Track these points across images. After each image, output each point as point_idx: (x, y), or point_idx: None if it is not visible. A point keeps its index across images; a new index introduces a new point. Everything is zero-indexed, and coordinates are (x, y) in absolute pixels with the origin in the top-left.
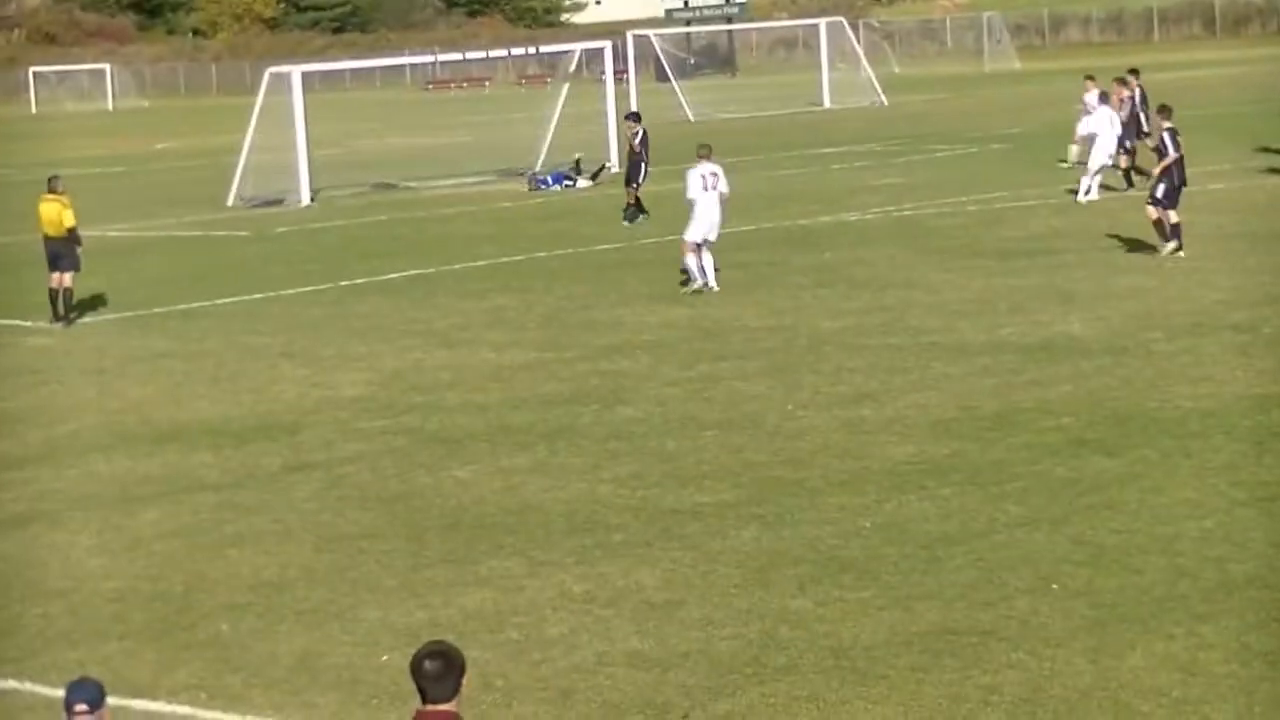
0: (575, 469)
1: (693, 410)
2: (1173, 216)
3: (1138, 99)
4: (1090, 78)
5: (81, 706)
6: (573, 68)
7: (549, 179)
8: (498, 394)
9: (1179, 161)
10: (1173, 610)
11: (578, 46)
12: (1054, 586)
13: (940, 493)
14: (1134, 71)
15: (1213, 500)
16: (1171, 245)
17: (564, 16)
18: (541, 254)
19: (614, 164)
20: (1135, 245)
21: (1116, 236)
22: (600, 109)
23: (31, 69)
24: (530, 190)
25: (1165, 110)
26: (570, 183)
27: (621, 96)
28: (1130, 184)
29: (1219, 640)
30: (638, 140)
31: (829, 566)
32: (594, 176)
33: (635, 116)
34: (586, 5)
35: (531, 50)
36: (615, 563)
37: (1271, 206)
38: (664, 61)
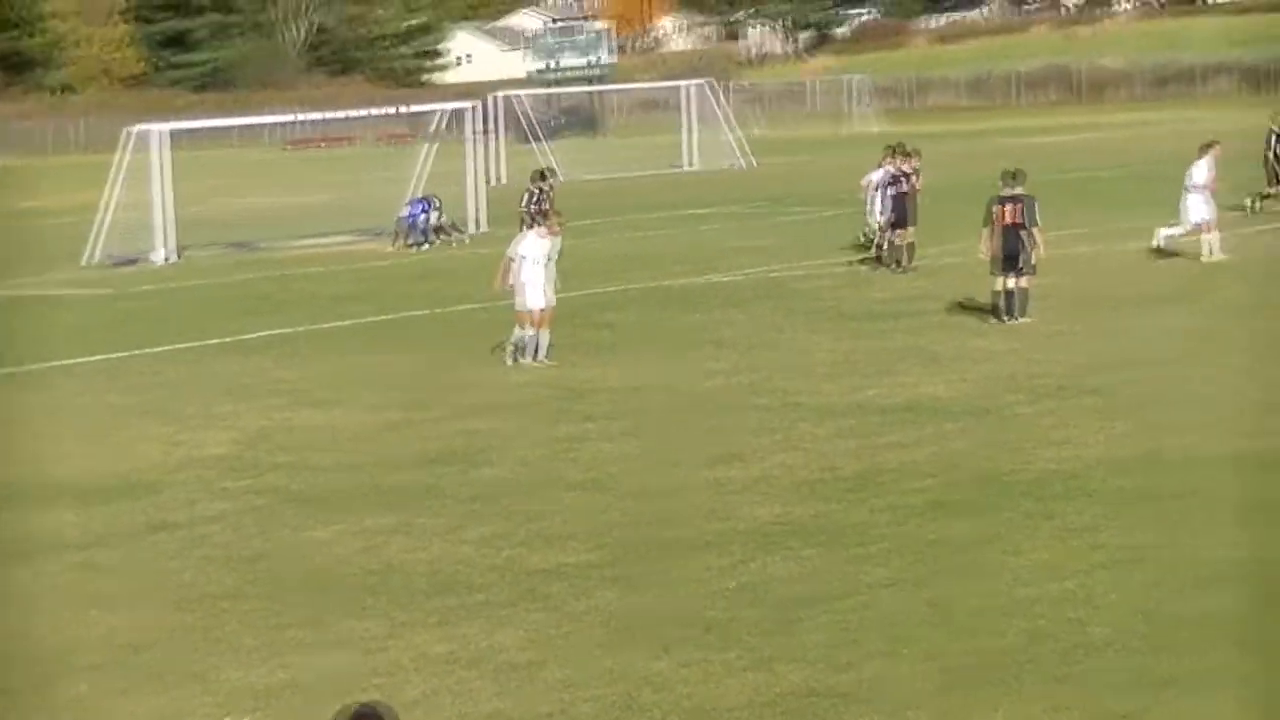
0: (438, 529)
1: (557, 470)
2: (1012, 282)
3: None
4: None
5: None
6: (433, 127)
7: (411, 214)
8: (362, 454)
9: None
10: (1031, 672)
11: (441, 107)
12: (911, 649)
13: (803, 553)
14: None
15: (1072, 562)
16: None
17: (426, 77)
18: (408, 313)
19: (482, 224)
20: (986, 309)
21: (978, 301)
22: (463, 168)
23: None
24: (399, 241)
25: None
26: (428, 217)
27: (488, 156)
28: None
29: (1077, 702)
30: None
31: (691, 628)
32: (447, 231)
33: (542, 174)
34: (448, 66)
35: (393, 110)
36: (477, 623)
37: (1129, 270)
38: (527, 122)
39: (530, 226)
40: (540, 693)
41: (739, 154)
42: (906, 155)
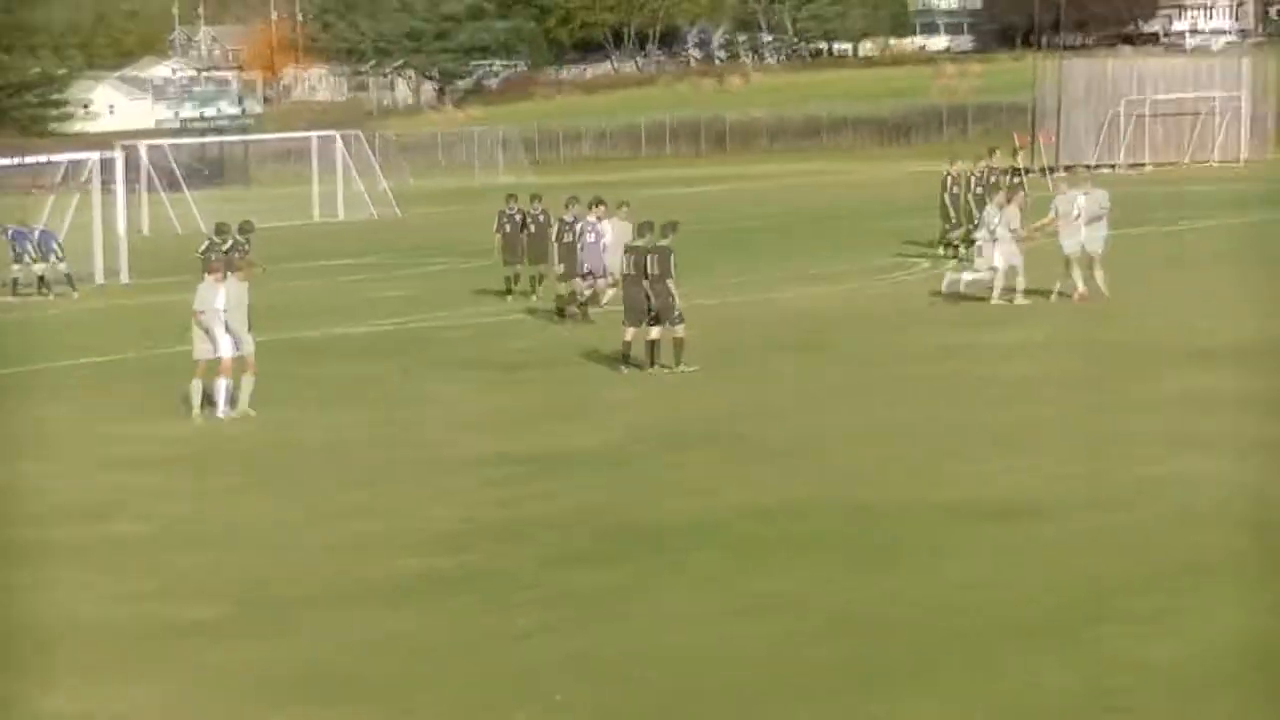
0: (73, 584)
1: (195, 525)
2: (655, 332)
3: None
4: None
5: None
6: (59, 178)
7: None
8: None
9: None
10: None
11: (74, 156)
12: (557, 698)
13: (446, 605)
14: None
15: (706, 610)
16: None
17: (56, 126)
18: (48, 365)
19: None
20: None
21: (615, 351)
22: (96, 218)
23: None
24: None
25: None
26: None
27: (132, 205)
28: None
29: None
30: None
31: (329, 682)
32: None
33: (240, 226)
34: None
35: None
36: (111, 681)
37: (770, 319)
38: (159, 173)
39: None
40: None
41: (385, 204)
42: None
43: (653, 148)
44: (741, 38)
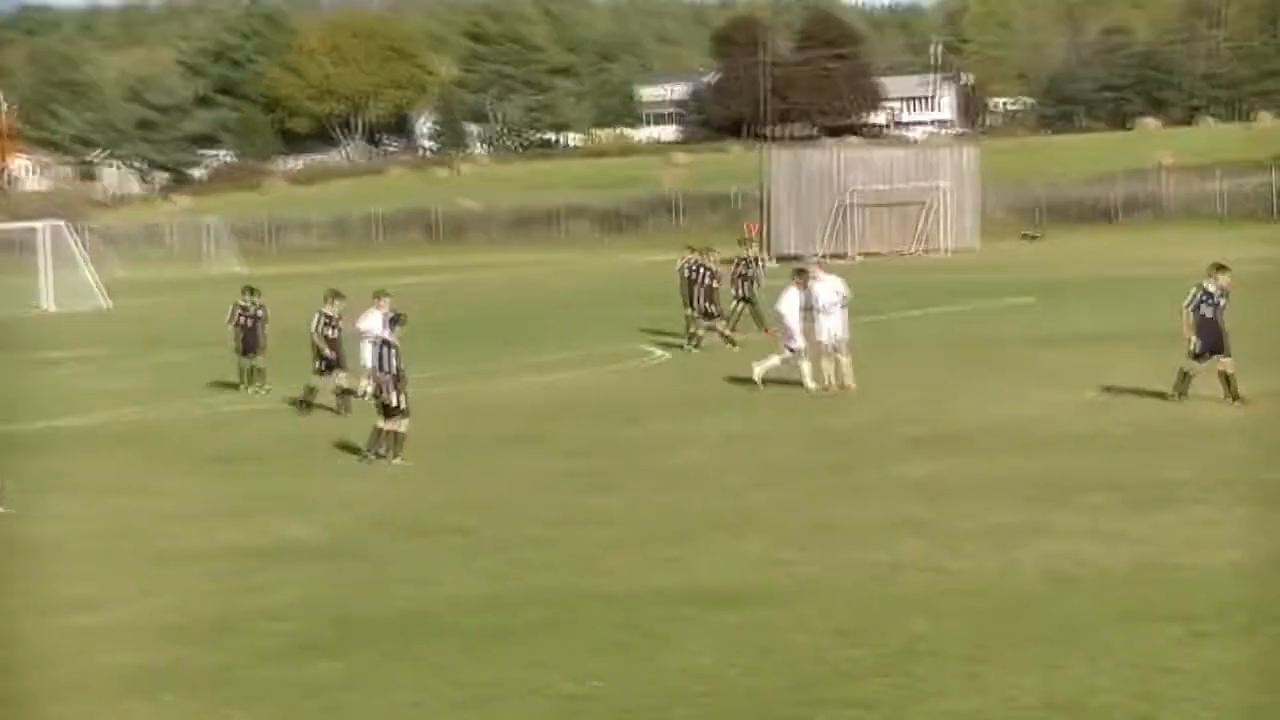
0: None
1: None
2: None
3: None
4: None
5: None
6: None
7: None
8: None
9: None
10: None
11: None
12: None
13: (162, 699)
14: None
15: (433, 701)
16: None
17: None
18: None
19: None
20: (356, 450)
21: (348, 440)
22: None
23: None
24: None
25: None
26: None
27: None
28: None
29: None
30: None
31: None
32: None
33: None
34: None
35: None
36: None
37: (488, 409)
38: None
39: None
40: None
41: (97, 295)
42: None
43: (364, 238)
44: (472, 128)
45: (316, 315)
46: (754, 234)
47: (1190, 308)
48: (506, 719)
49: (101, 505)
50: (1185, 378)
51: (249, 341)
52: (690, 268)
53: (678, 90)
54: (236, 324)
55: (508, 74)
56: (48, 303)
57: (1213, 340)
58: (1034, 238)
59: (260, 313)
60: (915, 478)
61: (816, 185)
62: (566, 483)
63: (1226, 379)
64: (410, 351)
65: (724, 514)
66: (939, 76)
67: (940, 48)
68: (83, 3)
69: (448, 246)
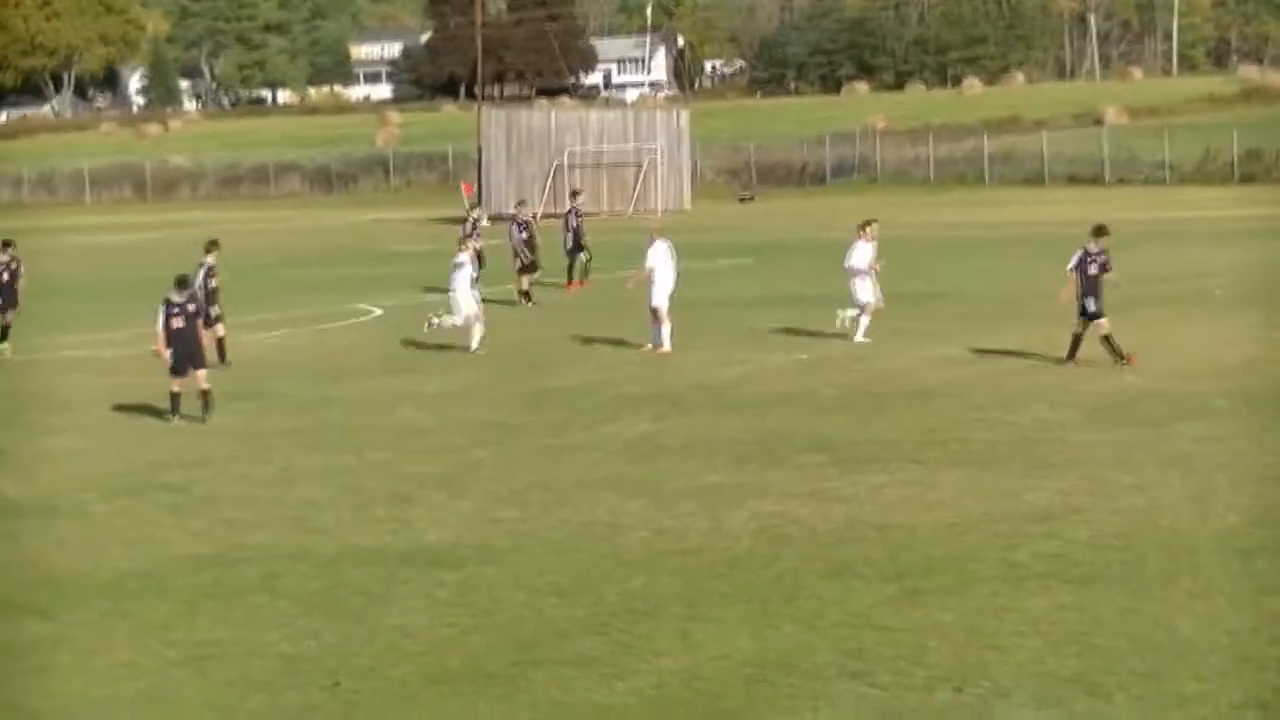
0: None
1: None
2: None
3: None
4: None
5: None
6: None
7: None
8: None
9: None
10: None
11: None
12: None
13: None
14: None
15: (147, 661)
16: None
17: None
18: None
19: None
20: (69, 406)
21: (49, 399)
22: None
23: None
24: None
25: None
26: None
27: None
28: None
29: None
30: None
31: None
32: None
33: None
34: None
35: None
36: None
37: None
38: None
39: None
40: None
41: None
42: None
43: (73, 193)
44: (184, 84)
45: (199, 267)
46: (469, 194)
47: (1074, 269)
48: (222, 678)
49: None
50: (1076, 341)
51: (6, 297)
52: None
53: (392, 49)
54: None
55: (219, 29)
56: None
57: (1094, 299)
58: (749, 199)
59: (16, 267)
60: (631, 437)
61: (531, 146)
62: (279, 441)
63: (1108, 341)
64: (122, 308)
65: (441, 473)
66: (652, 38)
67: (653, 9)
68: None
69: (155, 203)
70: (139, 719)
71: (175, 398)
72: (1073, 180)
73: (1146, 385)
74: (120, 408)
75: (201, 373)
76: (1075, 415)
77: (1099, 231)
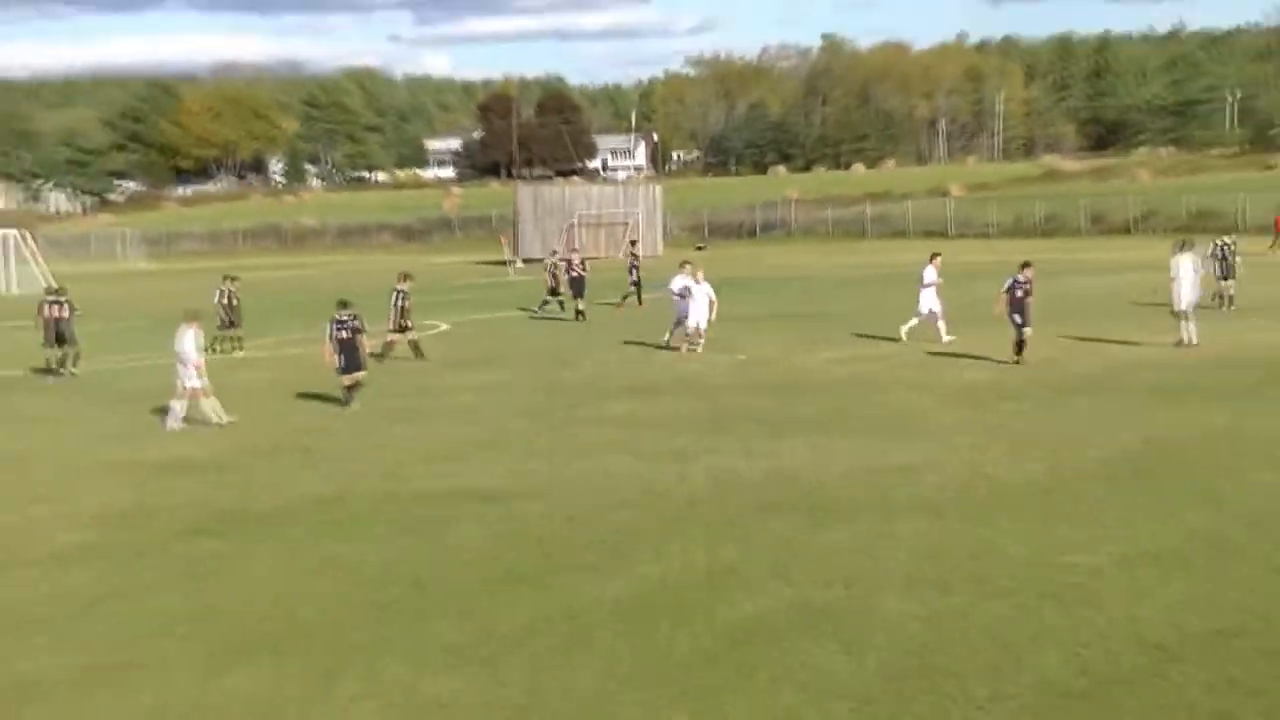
0: None
1: None
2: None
3: None
4: None
5: None
6: None
7: None
8: None
9: None
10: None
11: None
12: (178, 632)
13: (95, 565)
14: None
15: (287, 569)
16: None
17: None
18: None
19: None
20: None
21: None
22: None
23: None
24: None
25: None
26: None
27: None
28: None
29: None
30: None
31: (11, 620)
32: None
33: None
34: None
35: None
36: None
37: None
38: None
39: None
40: None
41: (44, 283)
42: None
43: (233, 245)
44: (310, 167)
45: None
46: (505, 242)
47: (1006, 290)
48: (336, 581)
49: (42, 430)
50: (1020, 345)
51: (233, 317)
52: (567, 266)
53: (454, 143)
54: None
55: (333, 129)
56: (9, 288)
57: (1020, 315)
58: (702, 248)
59: (234, 293)
60: (621, 413)
61: (552, 211)
62: (376, 418)
63: (1021, 345)
64: (275, 324)
65: (487, 438)
66: (635, 136)
67: (636, 116)
68: (29, 76)
69: (294, 251)
70: (282, 610)
71: (346, 390)
72: (928, 234)
73: (982, 378)
74: (265, 394)
75: (360, 374)
76: (932, 399)
77: (1025, 265)
